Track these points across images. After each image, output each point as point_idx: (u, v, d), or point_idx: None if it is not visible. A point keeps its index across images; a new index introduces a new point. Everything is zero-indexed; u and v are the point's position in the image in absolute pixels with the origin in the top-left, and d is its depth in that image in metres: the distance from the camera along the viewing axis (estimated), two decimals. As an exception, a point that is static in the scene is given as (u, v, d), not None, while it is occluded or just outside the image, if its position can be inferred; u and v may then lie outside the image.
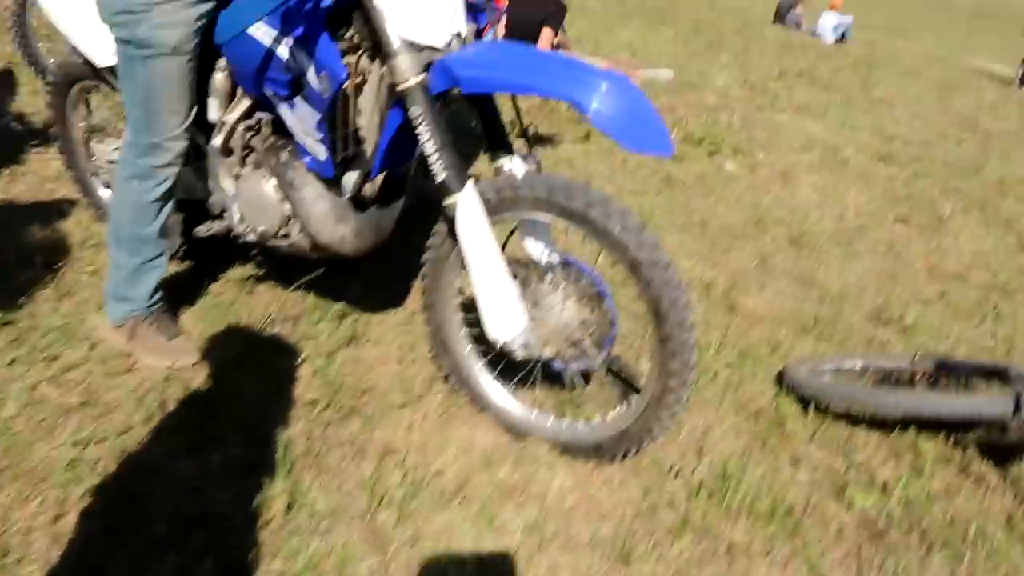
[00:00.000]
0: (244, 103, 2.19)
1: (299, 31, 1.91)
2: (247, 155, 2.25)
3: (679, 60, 8.43)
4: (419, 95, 1.84)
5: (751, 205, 4.33)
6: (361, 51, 1.95)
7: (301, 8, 1.89)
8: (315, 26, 1.89)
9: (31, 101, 4.09)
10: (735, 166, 4.99)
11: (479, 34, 2.19)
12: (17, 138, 3.61)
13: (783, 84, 7.92)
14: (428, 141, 1.85)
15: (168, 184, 2.16)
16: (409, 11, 1.83)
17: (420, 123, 1.84)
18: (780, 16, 14.25)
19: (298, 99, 1.98)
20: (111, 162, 2.74)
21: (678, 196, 4.29)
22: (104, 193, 2.91)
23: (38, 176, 3.31)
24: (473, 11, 2.13)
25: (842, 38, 12.94)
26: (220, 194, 2.35)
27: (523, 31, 6.29)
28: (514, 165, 2.06)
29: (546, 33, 6.23)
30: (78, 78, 2.66)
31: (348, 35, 1.95)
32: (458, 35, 1.92)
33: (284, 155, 2.14)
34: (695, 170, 4.76)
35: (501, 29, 6.26)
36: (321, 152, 2.03)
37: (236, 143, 2.24)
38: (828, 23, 13.06)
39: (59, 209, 3.02)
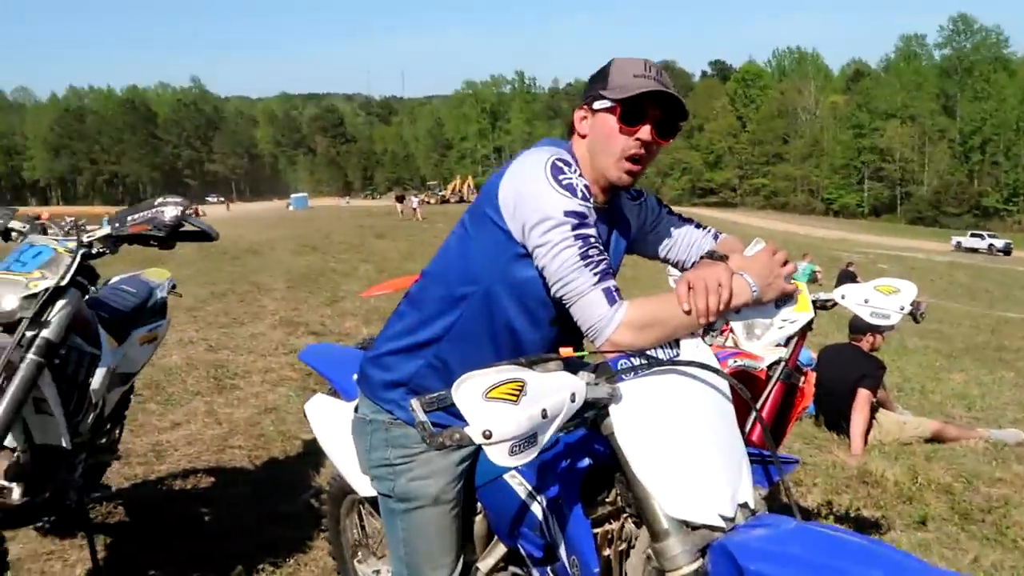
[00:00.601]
0: (499, 550, 1.98)
1: (553, 491, 1.69)
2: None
3: (1029, 413, 7.27)
4: None
5: None
6: (626, 515, 1.64)
7: (556, 464, 1.69)
8: (570, 492, 1.66)
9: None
10: None
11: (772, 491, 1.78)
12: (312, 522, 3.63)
13: None
14: None
15: None
16: (680, 482, 1.51)
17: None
18: None
19: (551, 570, 1.70)
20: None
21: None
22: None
23: (321, 567, 3.24)
24: (763, 463, 1.75)
25: None
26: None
27: (835, 394, 5.79)
28: None
29: (862, 395, 5.67)
30: (350, 491, 2.62)
31: (610, 498, 1.66)
32: (744, 506, 1.54)
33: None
34: (1083, 583, 3.71)
35: (811, 386, 5.78)
36: None
37: (490, 594, 1.98)
38: None
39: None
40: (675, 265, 2.12)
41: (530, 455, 1.32)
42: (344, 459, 2.28)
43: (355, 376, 2.32)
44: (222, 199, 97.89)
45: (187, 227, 2.45)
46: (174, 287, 3.41)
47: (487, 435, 1.25)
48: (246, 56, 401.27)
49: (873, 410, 5.75)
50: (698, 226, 2.11)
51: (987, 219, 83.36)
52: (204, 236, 2.50)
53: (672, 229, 2.07)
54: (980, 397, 7.84)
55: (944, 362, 9.93)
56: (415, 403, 1.32)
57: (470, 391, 1.27)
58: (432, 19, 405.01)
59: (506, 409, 1.26)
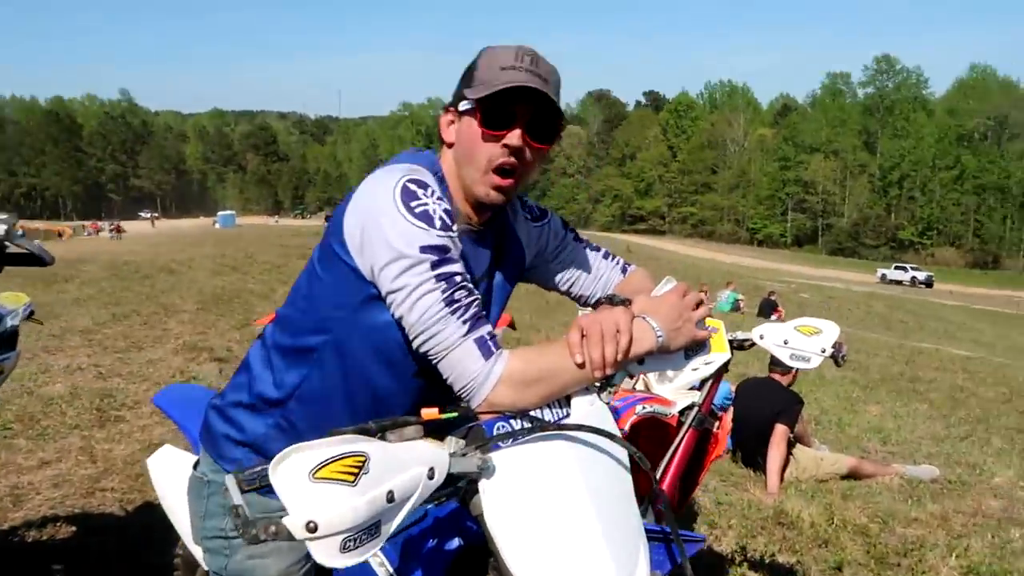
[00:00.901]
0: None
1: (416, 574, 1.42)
2: None
3: (942, 447, 7.29)
4: None
5: None
6: None
7: (423, 543, 1.44)
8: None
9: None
10: (1051, 622, 3.76)
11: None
12: None
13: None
14: None
15: None
16: (560, 569, 1.26)
17: None
18: (1055, 382, 12.64)
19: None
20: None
21: None
22: None
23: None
24: (664, 542, 1.53)
25: None
26: None
27: (753, 429, 5.67)
28: None
29: (779, 431, 5.56)
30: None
31: (485, 589, 1.41)
32: None
33: None
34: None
35: (727, 431, 5.67)
36: None
37: None
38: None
39: None
40: (578, 300, 1.87)
41: (370, 550, 1.06)
42: (185, 527, 1.97)
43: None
44: (156, 214, 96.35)
45: (12, 249, 2.12)
46: (32, 314, 3.03)
47: (311, 528, 0.98)
48: (180, 71, 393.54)
49: (790, 445, 5.66)
50: (607, 255, 1.86)
51: (903, 251, 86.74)
52: (35, 260, 2.17)
53: (577, 258, 1.82)
54: (895, 430, 7.87)
55: (861, 393, 10.00)
56: (231, 481, 1.04)
57: (291, 470, 0.99)
58: (372, 40, 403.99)
59: (338, 493, 0.99)
